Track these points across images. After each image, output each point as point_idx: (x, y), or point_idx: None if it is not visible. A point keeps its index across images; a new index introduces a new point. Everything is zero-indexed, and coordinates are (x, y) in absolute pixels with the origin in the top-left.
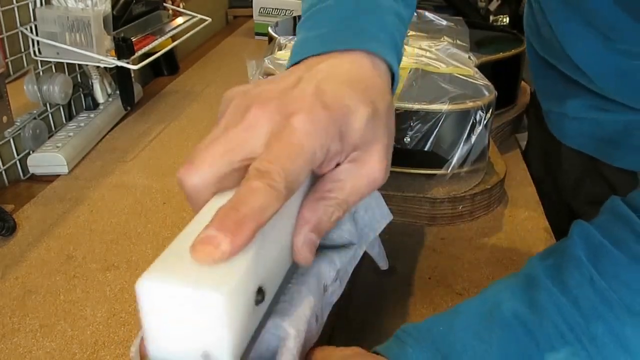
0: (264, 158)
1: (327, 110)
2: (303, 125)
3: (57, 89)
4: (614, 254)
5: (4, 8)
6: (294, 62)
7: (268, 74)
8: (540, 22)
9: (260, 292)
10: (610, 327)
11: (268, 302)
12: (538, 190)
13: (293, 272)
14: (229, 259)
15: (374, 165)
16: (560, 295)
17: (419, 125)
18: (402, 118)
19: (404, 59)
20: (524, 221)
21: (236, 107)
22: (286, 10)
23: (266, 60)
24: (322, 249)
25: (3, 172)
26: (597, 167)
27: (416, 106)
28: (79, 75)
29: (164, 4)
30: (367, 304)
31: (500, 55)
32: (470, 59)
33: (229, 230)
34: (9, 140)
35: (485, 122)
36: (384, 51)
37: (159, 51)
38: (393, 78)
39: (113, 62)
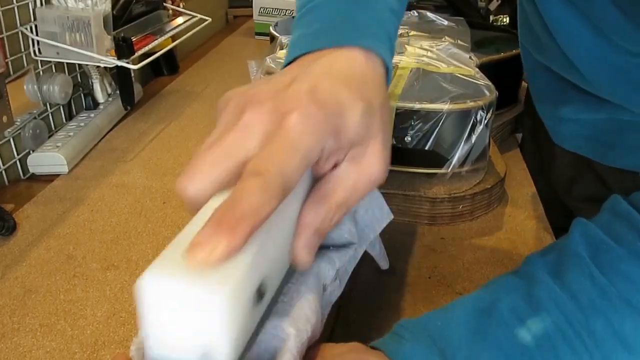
0: (258, 158)
1: (321, 108)
2: (297, 123)
3: (57, 88)
4: (616, 250)
5: (4, 8)
6: (290, 61)
7: (270, 73)
8: (535, 23)
9: (260, 292)
10: (610, 322)
11: (267, 301)
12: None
13: (293, 272)
14: (226, 260)
15: (372, 162)
16: (559, 291)
17: (420, 124)
18: (403, 117)
19: (405, 58)
20: (524, 221)
21: (232, 109)
22: (286, 10)
23: (268, 60)
24: (322, 248)
25: (3, 172)
26: (591, 165)
27: (417, 105)
28: (79, 75)
29: (164, 4)
30: (367, 304)
31: (501, 55)
32: (471, 59)
33: (224, 232)
34: (9, 139)
35: (485, 121)
36: (378, 46)
37: (159, 51)
38: (387, 73)
39: (113, 62)
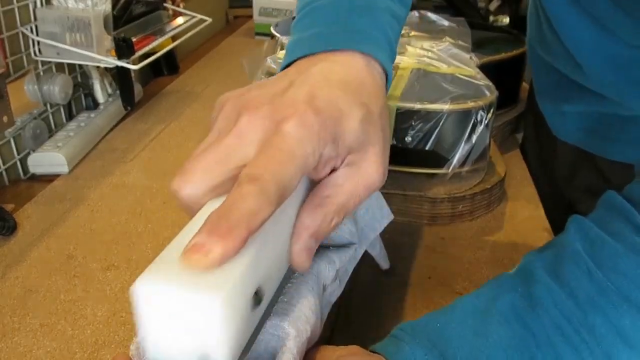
0: (254, 163)
1: (319, 115)
2: (294, 130)
3: (58, 89)
4: (612, 245)
5: (4, 8)
6: (287, 63)
7: (270, 73)
8: (542, 20)
9: (257, 294)
10: (609, 318)
11: (266, 304)
12: (534, 182)
13: (291, 275)
14: (221, 265)
15: (371, 168)
16: (557, 288)
17: (420, 124)
18: (404, 117)
19: (405, 59)
20: (524, 221)
21: (228, 113)
22: (286, 10)
23: (268, 60)
24: (322, 248)
25: (3, 172)
26: (591, 158)
27: (418, 106)
28: (79, 75)
29: (164, 4)
30: (367, 304)
31: (502, 55)
32: (472, 59)
33: (219, 236)
34: (10, 140)
35: (486, 122)
36: (378, 52)
37: (159, 51)
38: (387, 78)
39: (113, 62)
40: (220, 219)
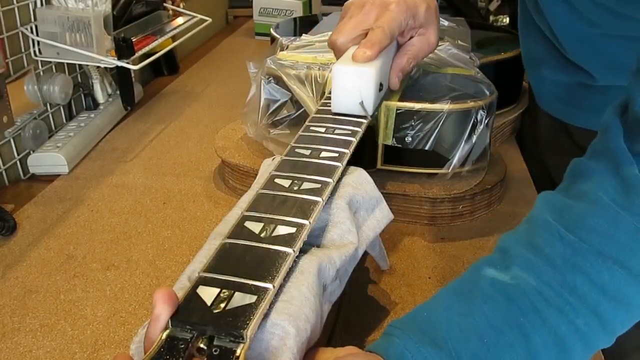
0: (378, 21)
1: (406, 3)
2: (395, 8)
3: (58, 89)
4: (578, 207)
5: (4, 8)
6: None
7: (271, 74)
8: None
9: (381, 85)
10: (588, 276)
11: (382, 94)
12: (524, 149)
13: (289, 279)
14: (370, 61)
15: (431, 37)
16: (533, 257)
17: (421, 124)
18: (404, 117)
19: None
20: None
21: (356, 6)
22: (286, 11)
23: (268, 61)
24: (323, 248)
25: (3, 172)
26: (565, 125)
27: (418, 106)
28: (79, 75)
29: (164, 4)
30: (367, 304)
31: (502, 55)
32: (472, 59)
33: (369, 47)
34: (10, 140)
35: (486, 122)
36: None
37: (159, 51)
38: None
39: (113, 62)
40: (368, 41)
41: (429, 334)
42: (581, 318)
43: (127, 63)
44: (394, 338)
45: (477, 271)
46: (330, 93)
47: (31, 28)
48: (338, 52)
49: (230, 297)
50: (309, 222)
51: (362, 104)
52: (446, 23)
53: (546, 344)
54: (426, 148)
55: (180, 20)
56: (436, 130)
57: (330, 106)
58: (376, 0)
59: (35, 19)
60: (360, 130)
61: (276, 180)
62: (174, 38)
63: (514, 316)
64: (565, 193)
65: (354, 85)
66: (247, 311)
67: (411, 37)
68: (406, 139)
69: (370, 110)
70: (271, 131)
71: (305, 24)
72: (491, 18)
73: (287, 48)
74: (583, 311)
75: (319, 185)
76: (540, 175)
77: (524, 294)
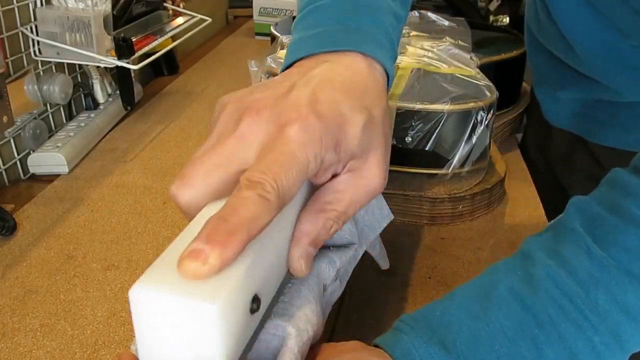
0: (255, 168)
1: (321, 120)
2: (297, 135)
3: (58, 88)
4: (611, 220)
5: (4, 8)
6: (289, 64)
7: (271, 73)
8: (539, 7)
9: (255, 300)
10: (611, 294)
11: (264, 310)
12: (532, 169)
13: (289, 279)
14: (218, 272)
15: (372, 174)
16: (557, 268)
17: (421, 125)
18: (404, 118)
19: (406, 59)
20: (524, 221)
21: (229, 115)
22: (286, 10)
23: (268, 59)
24: (323, 248)
25: (3, 172)
26: (584, 143)
27: (418, 106)
28: (79, 75)
29: (164, 4)
30: (367, 304)
31: (502, 55)
32: (472, 60)
33: (217, 243)
34: (9, 140)
35: (486, 122)
36: (380, 53)
37: (159, 51)
38: (389, 80)
39: (113, 62)
40: (219, 225)
41: (438, 334)
42: (599, 336)
43: (127, 63)
44: (402, 334)
45: (496, 273)
46: None
47: (31, 28)
48: (184, 213)
49: None
50: None
51: None
52: (446, 23)
53: (559, 358)
54: (426, 148)
55: (180, 20)
56: (436, 131)
57: None
58: (265, 108)
59: (35, 19)
60: None
61: None
62: (174, 38)
63: (529, 326)
64: (600, 202)
65: (178, 335)
66: None
67: (335, 175)
68: (406, 139)
69: None
70: None
71: None
72: (491, 18)
73: (287, 47)
74: (602, 329)
75: None
76: (551, 195)
77: (542, 304)
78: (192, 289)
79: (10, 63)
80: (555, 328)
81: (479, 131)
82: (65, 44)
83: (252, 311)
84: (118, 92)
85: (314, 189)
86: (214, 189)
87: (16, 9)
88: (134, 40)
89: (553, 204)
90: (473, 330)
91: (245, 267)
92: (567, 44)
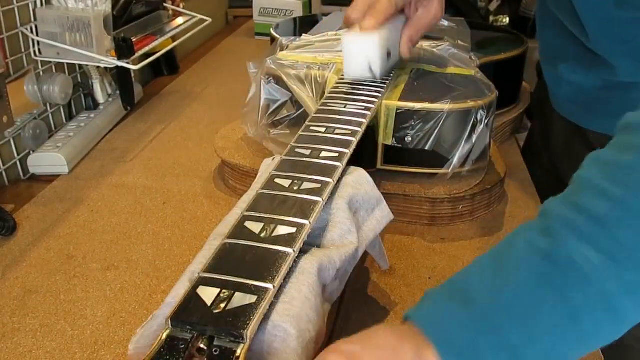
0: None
1: None
2: None
3: (58, 89)
4: (626, 161)
5: (4, 8)
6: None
7: (270, 74)
8: None
9: (389, 53)
10: (633, 229)
11: (392, 62)
12: (534, 164)
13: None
14: (373, 29)
15: (435, 8)
16: (574, 214)
17: (421, 124)
18: (404, 117)
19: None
20: (524, 221)
21: None
22: (286, 11)
23: (268, 61)
24: (323, 249)
25: (3, 172)
26: (582, 132)
27: (418, 106)
28: (79, 75)
29: (164, 4)
30: (367, 304)
31: (502, 55)
32: (472, 59)
33: (374, 16)
34: (9, 140)
35: (486, 122)
36: None
37: (159, 51)
38: None
39: (113, 62)
40: (373, 11)
41: (457, 297)
42: (630, 272)
43: (127, 63)
44: (422, 304)
45: (514, 235)
46: (332, 88)
47: (31, 28)
48: (352, 27)
49: (230, 297)
50: (309, 222)
51: (370, 68)
52: (446, 23)
53: (588, 301)
54: (426, 148)
55: (180, 20)
56: (436, 130)
57: (331, 105)
58: None
59: (35, 19)
60: (360, 130)
61: (276, 180)
62: (174, 38)
63: (550, 277)
64: (613, 146)
65: (360, 51)
66: (247, 311)
67: (417, 9)
68: (406, 138)
69: (378, 73)
70: (271, 131)
71: (305, 24)
72: (491, 18)
73: (287, 48)
74: (630, 265)
75: (319, 185)
76: (550, 182)
77: (564, 252)
78: (367, 34)
79: (10, 63)
80: (579, 272)
81: (479, 131)
82: (65, 44)
83: (388, 55)
84: (118, 92)
85: (408, 20)
86: (364, 11)
87: (16, 9)
88: (134, 40)
89: (552, 192)
90: (492, 288)
91: (383, 32)
92: (574, 11)
